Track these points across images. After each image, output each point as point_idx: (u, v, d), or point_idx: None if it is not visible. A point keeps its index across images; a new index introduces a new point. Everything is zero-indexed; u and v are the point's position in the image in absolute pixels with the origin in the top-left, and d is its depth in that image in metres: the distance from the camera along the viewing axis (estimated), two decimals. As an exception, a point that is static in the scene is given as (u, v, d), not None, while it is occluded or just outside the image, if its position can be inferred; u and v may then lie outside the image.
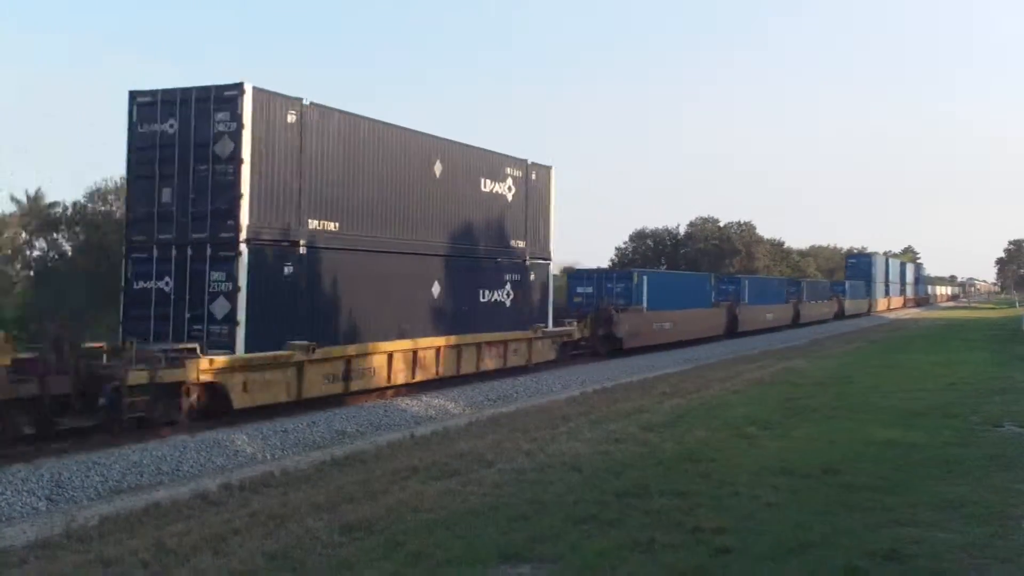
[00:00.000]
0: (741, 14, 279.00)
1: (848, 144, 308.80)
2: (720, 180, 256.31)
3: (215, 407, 16.68)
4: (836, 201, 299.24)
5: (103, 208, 56.87)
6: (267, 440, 15.89)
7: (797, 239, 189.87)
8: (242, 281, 16.60)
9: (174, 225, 17.02)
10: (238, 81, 16.64)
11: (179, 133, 16.96)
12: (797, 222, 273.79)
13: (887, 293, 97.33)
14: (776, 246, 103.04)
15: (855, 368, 27.71)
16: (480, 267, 24.65)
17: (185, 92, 17.00)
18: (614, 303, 35.73)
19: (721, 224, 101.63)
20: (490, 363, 24.83)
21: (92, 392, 14.71)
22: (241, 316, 16.64)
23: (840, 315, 71.78)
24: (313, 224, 18.28)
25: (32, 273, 44.88)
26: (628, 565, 7.95)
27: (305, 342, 17.68)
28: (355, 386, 19.55)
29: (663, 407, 18.59)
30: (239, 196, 16.57)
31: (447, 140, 23.31)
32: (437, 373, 22.29)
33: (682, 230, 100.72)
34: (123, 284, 17.61)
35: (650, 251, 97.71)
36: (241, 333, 16.68)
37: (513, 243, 26.07)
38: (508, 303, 25.67)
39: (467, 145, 24.11)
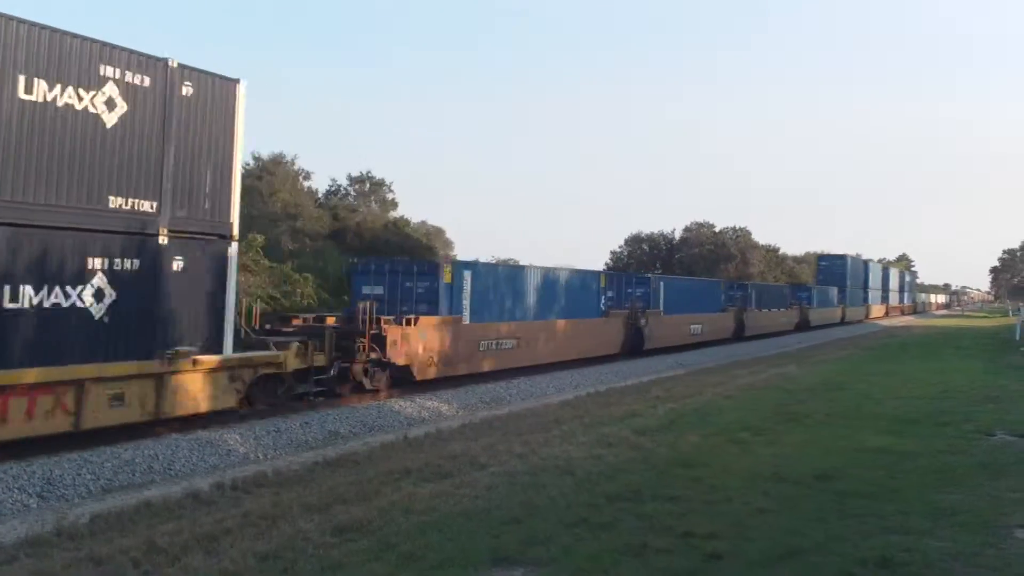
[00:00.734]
0: (736, 18, 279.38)
1: (845, 152, 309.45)
2: (716, 185, 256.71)
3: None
4: (832, 209, 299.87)
5: (98, 205, 56.96)
6: (260, 440, 15.87)
7: (793, 245, 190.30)
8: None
9: None
10: None
11: None
12: (793, 229, 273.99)
13: (866, 300, 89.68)
14: (771, 252, 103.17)
15: (848, 375, 27.73)
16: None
17: None
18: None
19: (717, 229, 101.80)
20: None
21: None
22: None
23: (803, 325, 61.83)
24: None
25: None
26: (620, 569, 7.95)
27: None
28: None
29: (656, 411, 18.59)
30: None
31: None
32: None
33: (677, 235, 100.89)
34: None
35: (645, 255, 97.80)
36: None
37: (117, 202, 14.60)
38: (97, 310, 14.24)
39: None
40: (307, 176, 60.17)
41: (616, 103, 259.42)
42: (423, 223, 70.00)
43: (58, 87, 13.76)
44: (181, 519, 10.36)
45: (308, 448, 15.86)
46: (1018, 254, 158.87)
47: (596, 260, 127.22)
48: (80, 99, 14.10)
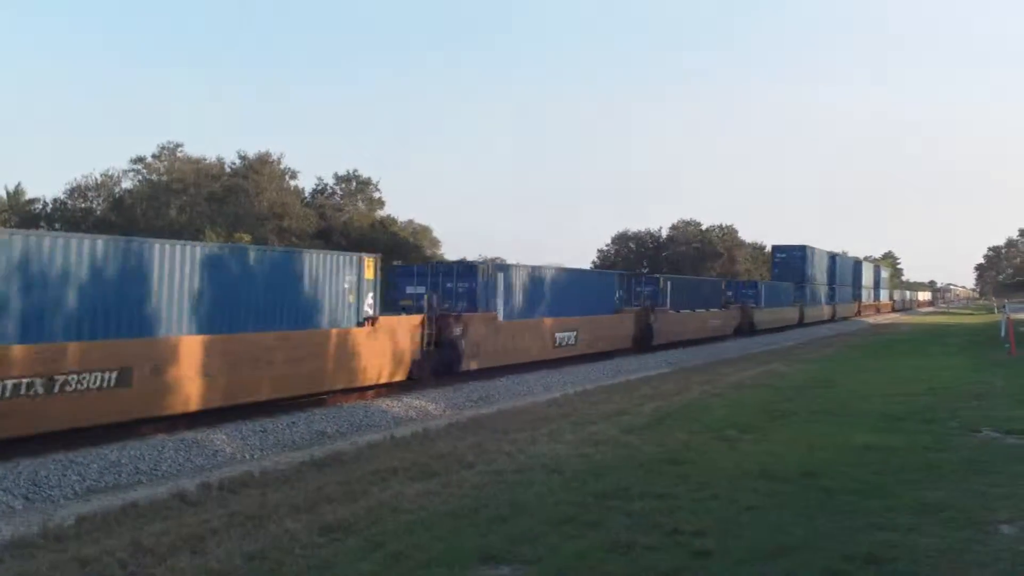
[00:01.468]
0: (719, 16, 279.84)
1: (831, 150, 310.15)
2: (703, 183, 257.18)
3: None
4: (819, 206, 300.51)
5: (83, 205, 56.75)
6: (246, 440, 15.83)
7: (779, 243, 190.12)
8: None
9: None
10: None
11: None
12: (779, 227, 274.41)
13: (834, 298, 79.62)
14: (757, 249, 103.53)
15: (835, 372, 27.83)
16: None
17: None
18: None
19: (703, 227, 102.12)
20: None
21: None
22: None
23: (747, 328, 50.87)
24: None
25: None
26: (607, 567, 7.94)
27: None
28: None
29: (644, 409, 18.61)
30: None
31: None
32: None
33: (664, 233, 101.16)
34: None
35: (632, 254, 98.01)
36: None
37: None
38: None
39: None
40: (293, 175, 60.11)
41: (602, 102, 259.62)
42: (410, 222, 70.01)
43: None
44: (167, 520, 10.33)
45: (295, 448, 15.82)
46: (1003, 251, 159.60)
47: (583, 259, 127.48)
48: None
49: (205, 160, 59.25)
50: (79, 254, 14.72)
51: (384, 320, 21.77)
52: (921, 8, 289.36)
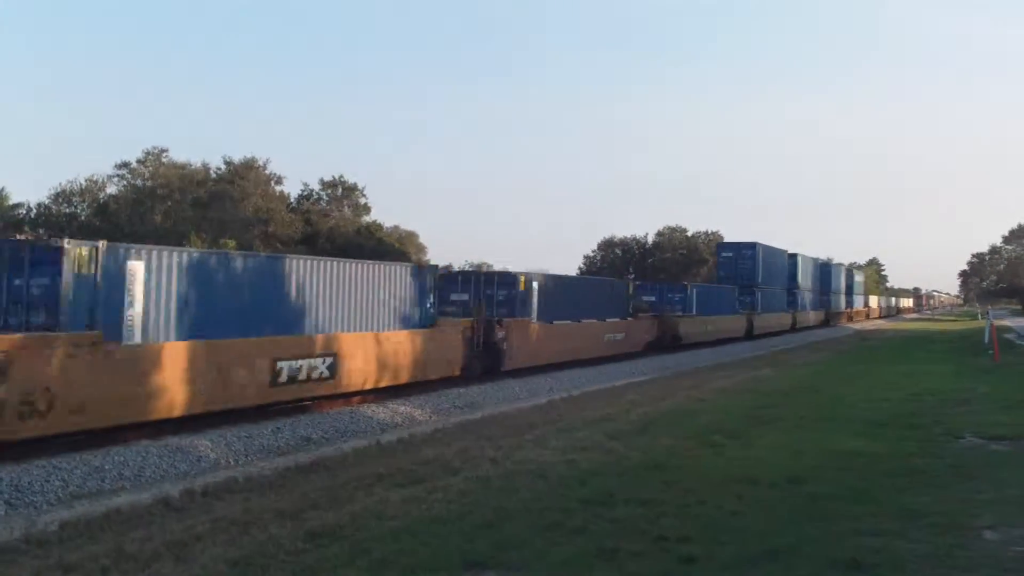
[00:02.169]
0: (703, 22, 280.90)
1: (816, 157, 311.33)
2: (689, 190, 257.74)
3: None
4: (804, 213, 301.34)
5: (68, 210, 56.52)
6: (231, 446, 15.76)
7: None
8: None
9: None
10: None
11: None
12: (766, 234, 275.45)
13: (796, 305, 69.39)
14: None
15: (820, 378, 27.92)
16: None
17: None
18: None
19: (689, 233, 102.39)
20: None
21: None
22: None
23: (669, 342, 41.10)
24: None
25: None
26: (593, 573, 7.95)
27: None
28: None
29: (630, 415, 18.62)
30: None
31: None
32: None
33: (650, 239, 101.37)
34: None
35: (618, 260, 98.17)
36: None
37: None
38: None
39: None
40: (279, 181, 59.96)
41: (588, 107, 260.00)
42: (396, 227, 69.92)
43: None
44: (151, 526, 10.29)
45: (280, 454, 15.77)
46: (987, 258, 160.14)
47: (569, 264, 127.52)
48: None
49: (190, 165, 59.13)
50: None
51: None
52: (906, 17, 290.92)
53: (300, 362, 18.83)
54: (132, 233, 48.68)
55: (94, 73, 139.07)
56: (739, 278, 57.37)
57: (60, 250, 14.50)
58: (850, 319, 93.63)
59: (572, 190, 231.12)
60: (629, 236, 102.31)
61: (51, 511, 11.64)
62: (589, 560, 8.29)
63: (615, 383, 28.04)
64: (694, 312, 45.30)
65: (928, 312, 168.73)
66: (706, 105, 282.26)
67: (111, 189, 58.05)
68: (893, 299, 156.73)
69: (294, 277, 19.21)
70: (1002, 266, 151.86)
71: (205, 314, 16.88)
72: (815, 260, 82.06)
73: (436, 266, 26.31)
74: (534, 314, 30.07)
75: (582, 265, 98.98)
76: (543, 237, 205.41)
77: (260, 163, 58.26)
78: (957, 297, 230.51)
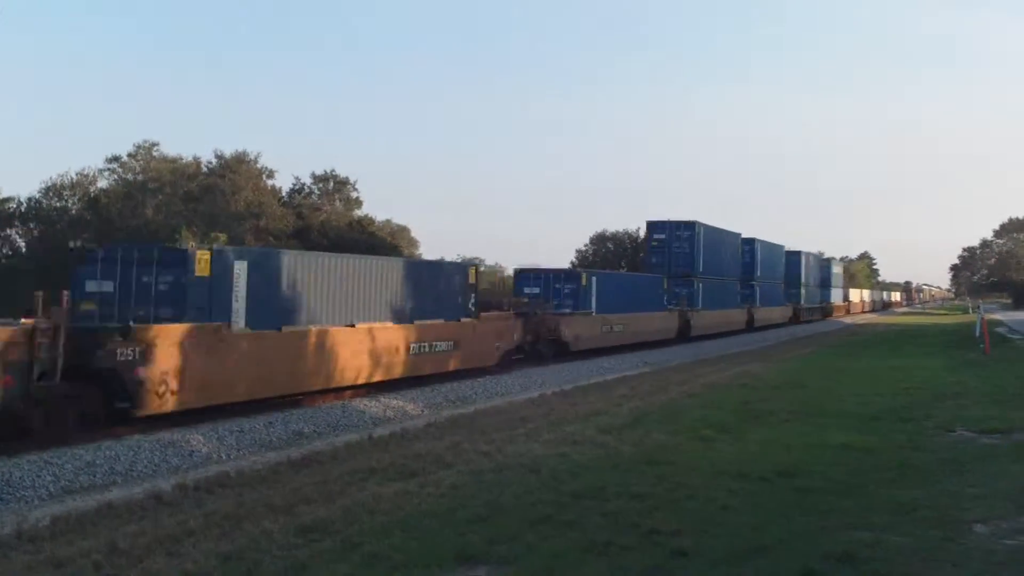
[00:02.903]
0: (695, 18, 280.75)
1: (809, 150, 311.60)
2: (681, 184, 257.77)
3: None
4: (798, 207, 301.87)
5: (58, 204, 56.32)
6: (223, 440, 15.76)
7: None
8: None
9: None
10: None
11: None
12: (760, 228, 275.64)
13: (749, 300, 58.61)
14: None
15: (811, 372, 27.95)
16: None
17: None
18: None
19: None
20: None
21: None
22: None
23: (548, 354, 31.63)
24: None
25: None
26: (585, 567, 7.96)
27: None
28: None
29: (621, 410, 18.65)
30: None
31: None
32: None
33: (642, 233, 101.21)
34: None
35: (610, 254, 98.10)
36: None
37: None
38: None
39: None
40: (270, 174, 59.74)
41: (581, 103, 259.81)
42: (388, 222, 69.74)
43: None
44: (143, 520, 10.28)
45: (272, 448, 15.77)
46: (977, 252, 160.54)
47: (561, 258, 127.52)
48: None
49: (181, 159, 58.93)
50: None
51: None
52: (897, 10, 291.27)
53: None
54: (123, 227, 48.46)
55: (84, 67, 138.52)
56: (674, 265, 46.99)
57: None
58: (827, 315, 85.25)
59: (564, 185, 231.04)
60: (621, 230, 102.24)
61: (42, 506, 11.63)
62: (581, 554, 8.31)
63: (605, 378, 28.07)
64: (592, 310, 35.50)
65: (919, 306, 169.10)
66: (699, 101, 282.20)
67: (102, 183, 57.82)
68: (884, 293, 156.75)
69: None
70: (993, 260, 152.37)
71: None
72: (779, 247, 70.91)
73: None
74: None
75: (574, 259, 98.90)
76: (535, 231, 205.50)
77: (251, 157, 58.09)
78: (948, 291, 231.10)
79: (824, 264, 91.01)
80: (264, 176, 59.19)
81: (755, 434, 15.38)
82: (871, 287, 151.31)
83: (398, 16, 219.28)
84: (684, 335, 44.61)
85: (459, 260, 47.07)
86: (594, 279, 36.15)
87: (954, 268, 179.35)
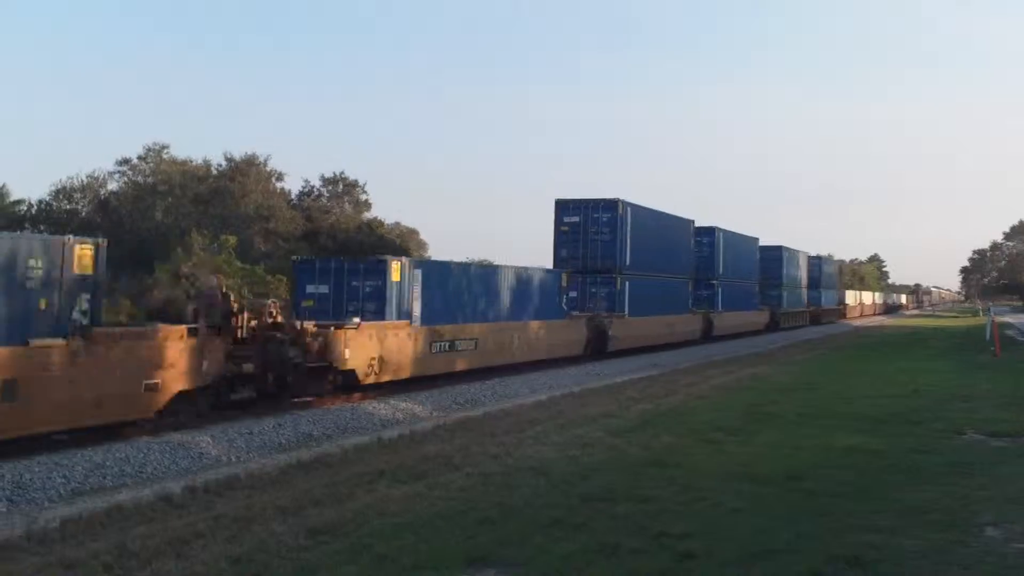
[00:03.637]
0: (703, 17, 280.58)
1: (818, 156, 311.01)
2: (687, 185, 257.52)
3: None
4: (806, 209, 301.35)
5: (68, 207, 56.48)
6: (232, 442, 15.78)
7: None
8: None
9: None
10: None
11: None
12: (769, 230, 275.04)
13: (707, 303, 48.41)
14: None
15: (819, 375, 27.91)
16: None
17: None
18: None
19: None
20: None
21: None
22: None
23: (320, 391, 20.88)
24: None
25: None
26: (593, 569, 7.97)
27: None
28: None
29: (630, 412, 18.64)
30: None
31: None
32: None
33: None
34: None
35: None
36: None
37: None
38: None
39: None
40: (280, 177, 59.84)
41: (582, 102, 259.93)
42: (397, 224, 69.73)
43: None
44: (152, 522, 10.29)
45: (281, 450, 15.78)
46: (988, 254, 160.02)
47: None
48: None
49: (191, 162, 59.03)
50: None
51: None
52: (906, 14, 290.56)
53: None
54: (133, 230, 48.60)
55: (95, 69, 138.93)
56: (588, 258, 36.64)
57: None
58: (816, 320, 75.04)
59: (570, 185, 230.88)
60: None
61: (53, 508, 11.65)
62: (590, 556, 8.31)
63: (614, 380, 28.02)
64: (418, 320, 26.17)
65: (929, 309, 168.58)
66: (705, 102, 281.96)
67: (112, 186, 57.94)
68: (893, 295, 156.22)
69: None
70: (1003, 262, 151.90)
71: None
72: (750, 240, 59.01)
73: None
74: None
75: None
76: (543, 232, 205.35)
77: (261, 160, 58.17)
78: (958, 293, 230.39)
79: (814, 262, 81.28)
80: (273, 179, 59.29)
81: (763, 436, 15.37)
82: (880, 289, 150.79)
83: (410, 18, 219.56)
84: (600, 353, 34.47)
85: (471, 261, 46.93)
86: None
87: (964, 270, 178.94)
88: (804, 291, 75.08)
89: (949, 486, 11.47)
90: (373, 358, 21.13)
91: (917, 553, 8.46)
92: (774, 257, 64.95)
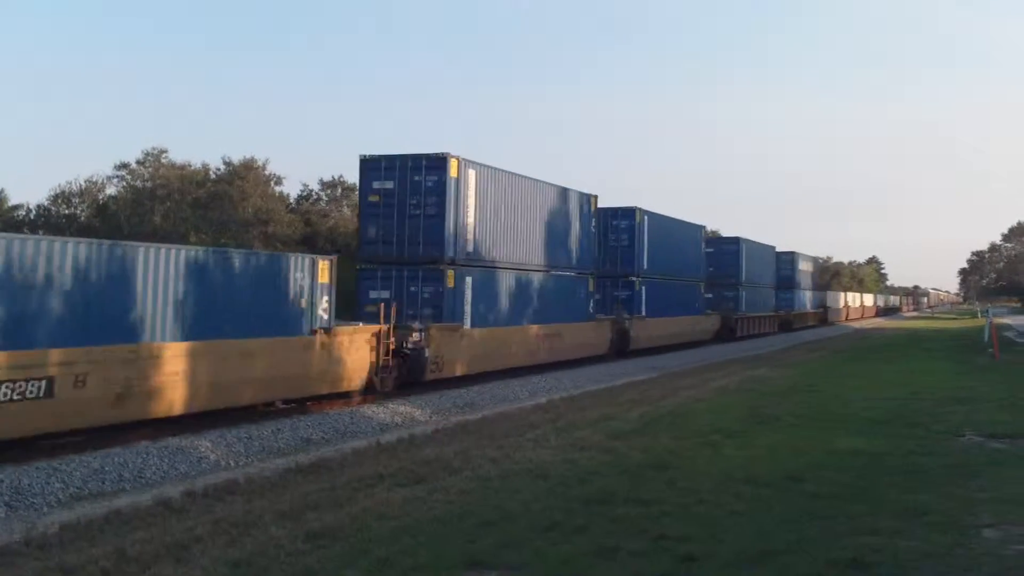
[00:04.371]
0: (696, 18, 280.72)
1: (817, 157, 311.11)
2: (686, 188, 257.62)
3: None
4: (806, 213, 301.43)
5: (67, 211, 56.50)
6: (231, 447, 15.77)
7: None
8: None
9: None
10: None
11: None
12: (767, 232, 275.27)
13: (629, 305, 38.23)
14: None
15: (819, 377, 27.90)
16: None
17: None
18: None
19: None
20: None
21: None
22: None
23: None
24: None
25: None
26: (593, 572, 7.97)
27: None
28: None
29: (630, 415, 18.62)
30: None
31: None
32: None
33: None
34: None
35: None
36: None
37: None
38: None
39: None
40: (278, 181, 59.81)
41: (589, 103, 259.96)
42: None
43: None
44: (151, 527, 10.27)
45: (280, 455, 15.77)
46: (986, 256, 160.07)
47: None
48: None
49: (190, 166, 59.03)
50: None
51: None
52: (907, 15, 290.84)
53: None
54: (132, 234, 48.53)
55: (93, 73, 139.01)
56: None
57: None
58: (786, 327, 65.38)
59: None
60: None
61: (51, 513, 11.64)
62: (590, 559, 8.30)
63: (613, 383, 28.02)
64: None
65: (928, 310, 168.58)
66: (705, 103, 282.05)
67: (110, 190, 57.94)
68: (891, 297, 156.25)
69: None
70: (1002, 264, 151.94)
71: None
72: (695, 228, 47.97)
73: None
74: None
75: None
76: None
77: (259, 163, 58.17)
78: (957, 295, 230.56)
79: (785, 258, 69.93)
80: (272, 183, 59.26)
81: (763, 439, 15.36)
82: (878, 291, 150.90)
83: (407, 22, 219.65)
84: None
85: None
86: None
87: (963, 272, 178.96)
88: (772, 292, 64.89)
89: (948, 488, 11.47)
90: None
91: (917, 555, 8.45)
92: (731, 251, 54.88)
